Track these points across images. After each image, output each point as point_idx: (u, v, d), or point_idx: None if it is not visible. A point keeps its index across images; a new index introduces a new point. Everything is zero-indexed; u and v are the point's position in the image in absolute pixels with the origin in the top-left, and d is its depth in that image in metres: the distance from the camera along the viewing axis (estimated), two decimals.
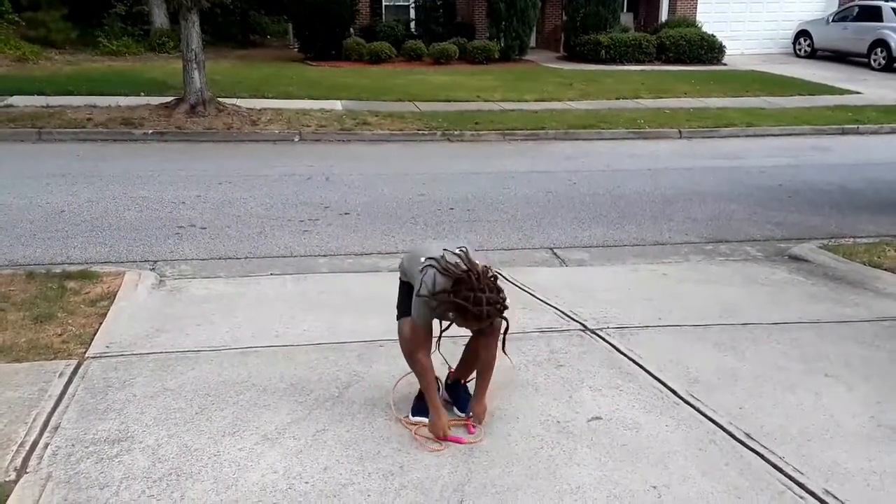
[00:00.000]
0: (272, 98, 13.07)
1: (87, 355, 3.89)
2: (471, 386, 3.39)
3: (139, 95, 12.75)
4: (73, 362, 3.79)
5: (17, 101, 11.97)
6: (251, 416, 3.31)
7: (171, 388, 3.55)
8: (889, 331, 4.47)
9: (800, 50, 22.93)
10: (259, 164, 9.29)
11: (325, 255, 6.05)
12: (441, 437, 3.09)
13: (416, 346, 3.04)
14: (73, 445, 3.05)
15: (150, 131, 10.58)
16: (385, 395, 3.47)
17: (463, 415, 3.31)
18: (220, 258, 5.93)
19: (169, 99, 11.73)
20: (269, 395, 3.48)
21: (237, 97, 12.57)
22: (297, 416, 3.31)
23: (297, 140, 10.87)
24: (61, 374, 3.65)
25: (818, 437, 3.24)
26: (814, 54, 22.41)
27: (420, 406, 3.27)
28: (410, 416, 3.26)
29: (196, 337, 4.17)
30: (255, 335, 4.21)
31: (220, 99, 11.74)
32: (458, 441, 3.11)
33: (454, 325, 2.93)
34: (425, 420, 3.19)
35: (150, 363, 3.82)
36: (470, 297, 2.77)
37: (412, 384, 3.31)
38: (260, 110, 11.86)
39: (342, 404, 3.42)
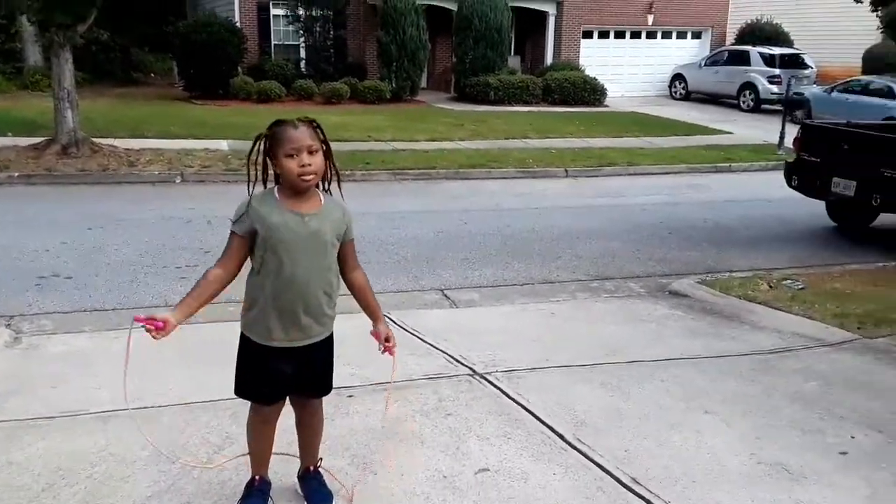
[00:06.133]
0: (153, 138, 12.57)
1: None
2: (329, 467, 3.08)
3: (6, 136, 11.96)
4: None
5: None
6: (105, 491, 2.99)
7: (16, 462, 3.19)
8: (764, 364, 4.59)
9: (675, 92, 24.27)
10: (135, 207, 8.82)
11: None
12: (143, 319, 2.55)
13: (220, 256, 2.72)
14: None
15: (16, 174, 9.91)
16: None
17: None
18: (85, 310, 5.50)
19: (39, 140, 11.06)
20: (127, 466, 3.17)
21: (115, 137, 12.01)
22: (159, 489, 3.02)
23: (178, 181, 10.44)
24: None
25: (702, 478, 3.24)
26: (688, 96, 23.78)
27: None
28: None
29: (49, 401, 3.79)
30: (117, 396, 3.83)
31: (95, 139, 11.17)
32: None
33: (274, 167, 2.65)
34: None
35: None
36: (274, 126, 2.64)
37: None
38: (139, 150, 11.36)
39: (212, 471, 3.16)
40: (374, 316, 2.90)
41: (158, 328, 2.54)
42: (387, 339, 2.86)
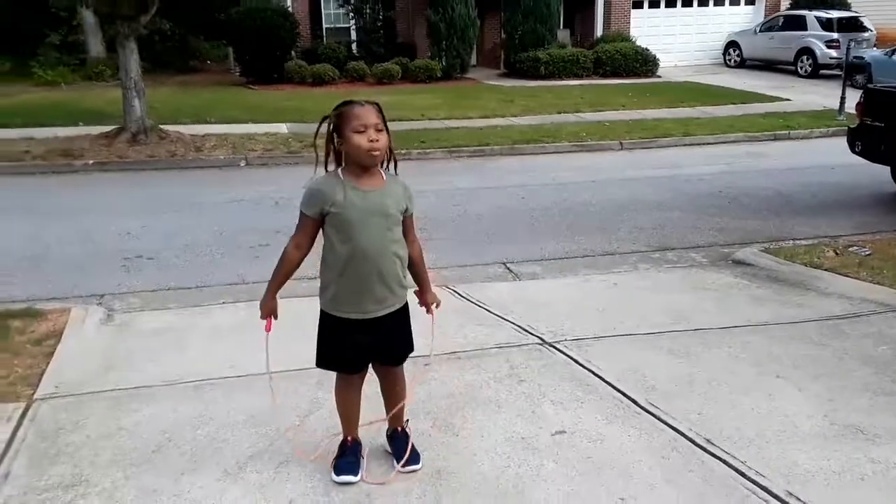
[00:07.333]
0: (215, 123, 12.93)
1: (35, 397, 3.75)
2: (413, 429, 3.22)
3: (77, 126, 12.46)
4: (22, 405, 3.65)
5: None
6: (210, 452, 3.23)
7: (125, 428, 3.45)
8: (833, 329, 4.61)
9: (730, 60, 23.71)
10: (205, 190, 9.16)
11: None
12: (263, 316, 2.96)
13: (293, 235, 2.87)
14: (25, 494, 2.94)
15: (91, 161, 10.34)
16: None
17: (401, 467, 3.06)
18: (169, 289, 5.81)
19: (109, 128, 11.50)
20: (227, 429, 3.41)
21: (179, 124, 12.39)
22: (259, 449, 3.25)
23: (243, 165, 10.76)
24: (9, 419, 3.51)
25: (776, 439, 3.32)
26: (743, 64, 23.21)
27: (341, 464, 3.04)
28: (333, 476, 3.00)
29: (148, 372, 4.06)
30: (210, 367, 4.12)
31: (161, 126, 11.56)
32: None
33: (343, 147, 2.79)
34: (351, 478, 2.99)
35: (103, 402, 3.70)
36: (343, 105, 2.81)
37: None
38: (203, 136, 11.71)
39: (304, 433, 3.37)
40: (423, 285, 3.11)
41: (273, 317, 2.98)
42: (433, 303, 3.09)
